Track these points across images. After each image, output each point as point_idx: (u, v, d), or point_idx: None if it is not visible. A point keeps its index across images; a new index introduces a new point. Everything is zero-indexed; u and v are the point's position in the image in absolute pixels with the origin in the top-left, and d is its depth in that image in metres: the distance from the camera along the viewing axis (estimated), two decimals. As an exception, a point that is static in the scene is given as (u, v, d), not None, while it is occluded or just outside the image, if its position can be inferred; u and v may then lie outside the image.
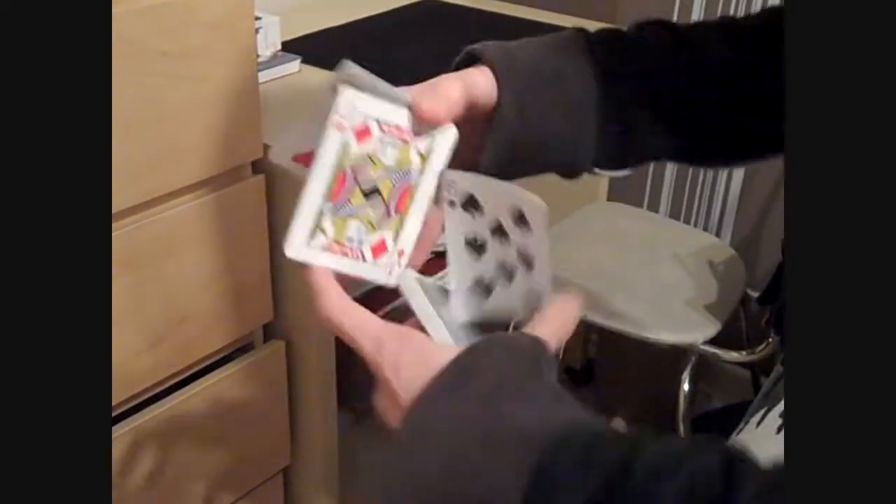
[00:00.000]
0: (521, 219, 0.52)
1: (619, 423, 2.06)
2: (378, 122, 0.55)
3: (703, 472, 0.40)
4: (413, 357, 0.51)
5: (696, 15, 1.83)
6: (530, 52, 0.64)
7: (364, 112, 0.54)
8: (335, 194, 0.54)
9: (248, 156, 1.11)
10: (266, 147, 1.12)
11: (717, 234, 1.93)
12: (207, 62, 1.01)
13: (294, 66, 1.38)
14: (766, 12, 0.72)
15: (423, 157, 0.57)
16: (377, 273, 0.55)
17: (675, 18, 1.84)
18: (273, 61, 1.35)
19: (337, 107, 0.54)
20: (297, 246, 0.54)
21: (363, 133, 0.54)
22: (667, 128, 0.69)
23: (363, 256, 0.55)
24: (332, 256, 0.54)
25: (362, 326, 0.52)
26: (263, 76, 1.26)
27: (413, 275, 0.55)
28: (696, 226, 1.96)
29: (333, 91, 0.54)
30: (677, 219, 1.97)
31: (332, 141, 0.54)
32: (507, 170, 0.64)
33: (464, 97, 0.60)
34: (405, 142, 0.56)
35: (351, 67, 0.53)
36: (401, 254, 0.55)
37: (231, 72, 1.04)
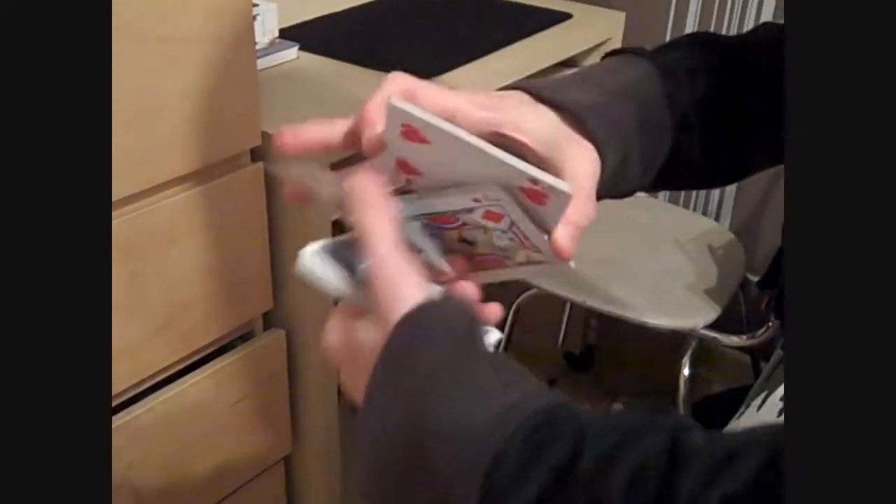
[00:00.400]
0: None
1: (618, 409, 2.07)
2: (517, 228, 0.53)
3: (649, 456, 0.40)
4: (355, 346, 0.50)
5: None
6: (623, 116, 0.59)
7: (511, 216, 0.52)
8: (432, 220, 0.54)
9: (247, 143, 1.10)
10: (265, 135, 1.11)
11: (717, 219, 1.93)
12: (206, 48, 1.00)
13: (292, 53, 1.37)
14: None
15: (505, 260, 0.56)
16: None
17: (672, 6, 1.84)
18: (271, 48, 1.34)
19: (509, 209, 0.52)
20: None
21: (495, 217, 0.53)
22: (722, 162, 0.68)
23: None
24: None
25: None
26: (261, 63, 1.26)
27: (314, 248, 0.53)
28: (694, 210, 1.96)
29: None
30: (676, 203, 1.97)
31: (477, 213, 0.52)
32: None
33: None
34: (522, 246, 0.54)
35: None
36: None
37: (230, 58, 1.03)
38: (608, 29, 1.69)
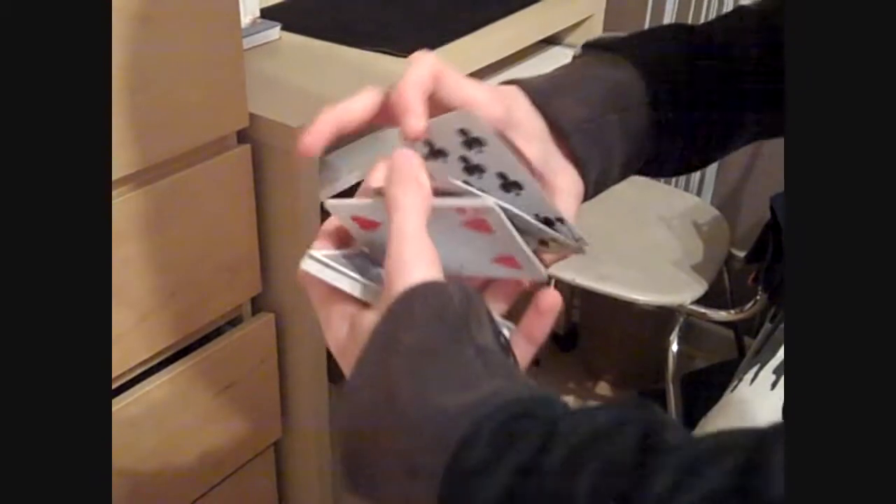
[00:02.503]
0: (474, 141, 0.51)
1: (604, 388, 2.07)
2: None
3: (618, 454, 0.38)
4: (351, 335, 0.50)
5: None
6: (607, 132, 0.61)
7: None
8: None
9: (234, 125, 1.08)
10: (252, 116, 1.10)
11: (699, 194, 1.94)
12: (190, 28, 0.98)
13: (274, 33, 1.35)
14: None
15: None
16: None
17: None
18: (252, 28, 1.32)
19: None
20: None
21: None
22: (703, 152, 0.69)
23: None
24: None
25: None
26: (243, 44, 1.23)
27: (316, 255, 0.52)
28: (676, 186, 1.97)
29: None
30: (657, 180, 1.97)
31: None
32: None
33: None
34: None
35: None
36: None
37: (214, 38, 1.01)
38: (589, 5, 1.68)
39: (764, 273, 1.46)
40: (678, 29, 0.69)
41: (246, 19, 1.32)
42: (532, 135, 0.57)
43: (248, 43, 1.29)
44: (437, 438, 0.42)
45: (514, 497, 0.39)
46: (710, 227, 1.71)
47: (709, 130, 0.68)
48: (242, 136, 1.11)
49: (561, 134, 0.58)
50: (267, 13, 1.40)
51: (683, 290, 1.54)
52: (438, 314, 0.46)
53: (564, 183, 0.58)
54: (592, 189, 0.61)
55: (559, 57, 1.69)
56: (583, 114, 0.59)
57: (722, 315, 1.59)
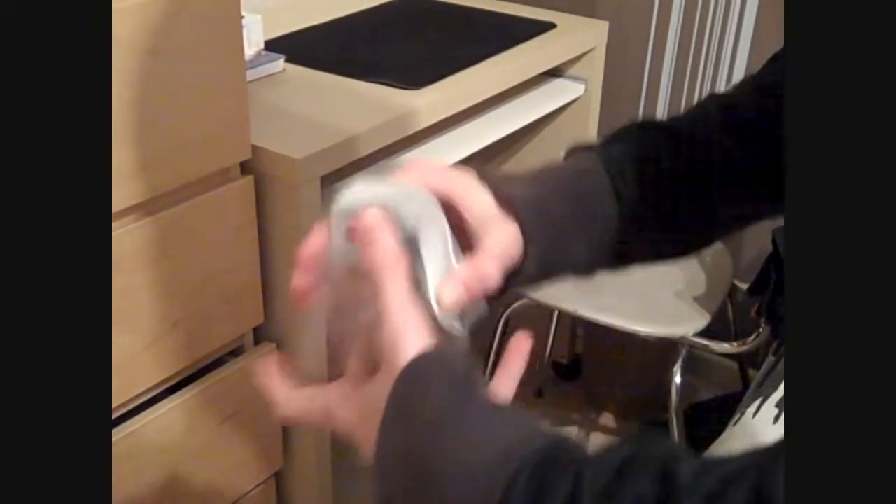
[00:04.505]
0: None
1: (607, 418, 2.07)
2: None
3: (642, 494, 0.42)
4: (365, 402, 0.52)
5: (677, 8, 1.83)
6: (557, 203, 0.65)
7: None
8: None
9: (237, 157, 1.09)
10: (254, 148, 1.10)
11: (702, 226, 1.94)
12: (195, 61, 0.99)
13: (278, 65, 1.36)
14: (754, 86, 0.74)
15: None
16: None
17: (654, 14, 1.84)
18: (256, 60, 1.33)
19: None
20: None
21: None
22: (678, 241, 0.72)
23: None
24: None
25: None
26: (247, 76, 1.24)
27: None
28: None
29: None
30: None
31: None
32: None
33: (501, 272, 0.60)
34: None
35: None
36: None
37: (219, 70, 1.02)
38: (592, 38, 1.70)
39: (767, 305, 1.46)
40: (644, 125, 0.72)
41: (250, 51, 1.33)
42: (473, 205, 0.61)
43: (252, 75, 1.30)
44: (480, 493, 0.46)
45: None
46: (713, 258, 1.71)
47: (676, 215, 0.70)
48: (245, 168, 1.12)
49: (506, 204, 0.62)
50: (271, 45, 1.41)
51: (686, 322, 1.54)
52: (447, 380, 0.50)
53: (492, 236, 0.60)
54: (544, 250, 0.63)
55: (562, 89, 1.70)
56: (529, 191, 0.63)
57: (725, 347, 1.59)
